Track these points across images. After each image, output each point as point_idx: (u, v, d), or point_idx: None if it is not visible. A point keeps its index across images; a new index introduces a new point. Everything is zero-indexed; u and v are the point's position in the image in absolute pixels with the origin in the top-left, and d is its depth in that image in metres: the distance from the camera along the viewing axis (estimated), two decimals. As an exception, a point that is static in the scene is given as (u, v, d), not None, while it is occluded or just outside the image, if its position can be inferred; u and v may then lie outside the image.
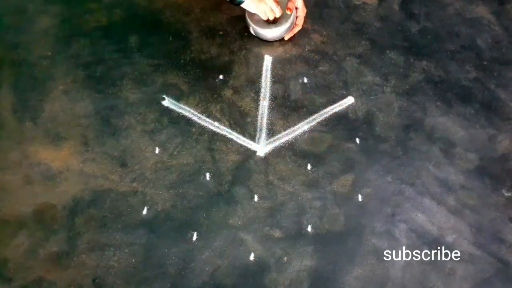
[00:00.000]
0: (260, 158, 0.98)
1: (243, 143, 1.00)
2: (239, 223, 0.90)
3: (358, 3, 1.23)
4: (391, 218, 0.93)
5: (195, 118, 1.02)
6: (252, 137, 1.01)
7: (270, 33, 1.10)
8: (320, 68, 1.11)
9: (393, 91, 1.09)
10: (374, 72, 1.11)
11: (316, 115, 1.05)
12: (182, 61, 1.10)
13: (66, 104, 1.02)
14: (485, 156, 1.01)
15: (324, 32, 1.17)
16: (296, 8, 1.09)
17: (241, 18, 1.17)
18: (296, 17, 1.11)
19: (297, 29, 1.12)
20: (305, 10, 1.11)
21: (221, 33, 1.14)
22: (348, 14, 1.21)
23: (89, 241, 0.87)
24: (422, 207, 0.95)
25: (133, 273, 0.84)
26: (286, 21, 1.08)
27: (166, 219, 0.90)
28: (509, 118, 1.07)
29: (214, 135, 1.00)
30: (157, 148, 0.97)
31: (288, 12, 1.08)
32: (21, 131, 0.98)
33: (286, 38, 1.12)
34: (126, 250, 0.86)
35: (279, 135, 1.01)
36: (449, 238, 0.91)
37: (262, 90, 1.07)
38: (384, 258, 0.89)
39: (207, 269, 0.85)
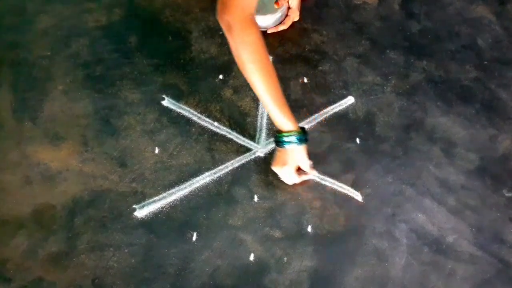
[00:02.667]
0: (260, 158, 0.98)
1: (243, 143, 1.00)
2: (239, 223, 0.90)
3: (358, 3, 1.23)
4: (391, 218, 0.93)
5: (195, 118, 1.02)
6: (252, 137, 1.00)
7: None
8: (320, 68, 1.11)
9: (393, 91, 1.09)
10: (374, 72, 1.11)
11: (316, 115, 1.04)
12: (182, 61, 1.09)
13: (65, 104, 1.01)
14: (485, 156, 1.01)
15: (324, 32, 1.17)
16: (289, 8, 1.09)
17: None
18: (286, 15, 1.11)
19: (281, 27, 1.12)
20: (298, 13, 1.11)
21: (221, 33, 1.14)
22: (348, 14, 1.21)
23: (88, 242, 0.86)
24: (423, 207, 0.94)
25: (133, 274, 0.84)
26: (273, 13, 1.07)
27: (166, 219, 0.89)
28: (510, 118, 1.07)
29: (214, 135, 1.00)
30: (156, 148, 0.97)
31: (276, 6, 1.07)
32: (20, 131, 0.98)
33: (268, 32, 1.12)
34: (126, 251, 0.86)
35: (279, 135, 1.01)
36: (450, 239, 0.91)
37: (262, 90, 1.07)
38: (385, 258, 0.88)
39: (207, 269, 0.85)
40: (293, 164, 0.90)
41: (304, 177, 0.94)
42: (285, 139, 0.87)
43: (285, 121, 0.86)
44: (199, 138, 0.99)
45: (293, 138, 0.86)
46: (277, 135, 0.89)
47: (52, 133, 0.98)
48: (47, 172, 0.93)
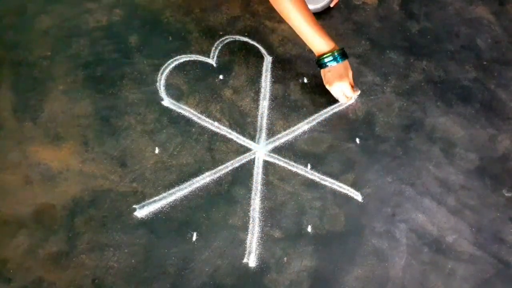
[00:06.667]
0: (260, 158, 0.98)
1: (243, 143, 1.00)
2: (239, 223, 0.90)
3: (358, 3, 1.23)
4: (391, 218, 0.93)
5: (195, 118, 1.02)
6: (252, 137, 1.01)
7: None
8: (320, 68, 1.11)
9: (393, 91, 1.09)
10: (374, 72, 1.11)
11: (316, 115, 1.05)
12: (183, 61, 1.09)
13: (65, 104, 1.02)
14: (485, 156, 1.01)
15: (324, 32, 1.17)
16: None
17: (241, 18, 1.17)
18: None
19: None
20: None
21: (221, 33, 1.14)
22: (348, 14, 1.21)
23: (88, 241, 0.86)
24: (422, 207, 0.94)
25: (133, 274, 0.84)
26: None
27: (166, 219, 0.89)
28: (509, 118, 1.07)
29: (214, 135, 1.00)
30: (157, 148, 0.97)
31: None
32: (20, 131, 0.98)
33: (332, 5, 1.20)
34: (126, 251, 0.86)
35: (279, 135, 1.01)
36: (450, 238, 0.91)
37: (262, 90, 1.07)
38: (384, 258, 0.88)
39: (207, 269, 0.85)
40: (348, 75, 1.01)
41: (356, 93, 1.04)
42: (335, 55, 0.97)
43: (324, 42, 0.97)
44: (199, 138, 0.99)
45: (337, 55, 0.98)
46: (324, 55, 0.98)
47: (53, 133, 0.98)
48: (47, 172, 0.93)
